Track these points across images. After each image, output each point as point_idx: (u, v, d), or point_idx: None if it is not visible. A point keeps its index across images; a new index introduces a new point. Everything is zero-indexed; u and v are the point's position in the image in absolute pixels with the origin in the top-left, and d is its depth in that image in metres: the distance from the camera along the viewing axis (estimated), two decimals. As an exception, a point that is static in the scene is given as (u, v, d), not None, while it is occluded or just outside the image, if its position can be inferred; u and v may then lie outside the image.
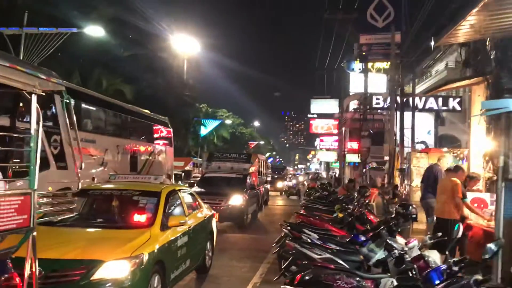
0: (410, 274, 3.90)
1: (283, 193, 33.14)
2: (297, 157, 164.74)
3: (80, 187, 4.41)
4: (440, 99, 19.99)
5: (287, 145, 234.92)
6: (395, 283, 3.83)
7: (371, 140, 24.92)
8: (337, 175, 37.70)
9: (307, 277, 4.16)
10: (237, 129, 60.62)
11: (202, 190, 13.85)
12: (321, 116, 42.92)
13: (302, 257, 5.72)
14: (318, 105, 40.46)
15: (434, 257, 4.70)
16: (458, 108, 20.25)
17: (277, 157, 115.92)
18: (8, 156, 7.65)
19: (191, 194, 8.22)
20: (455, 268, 3.23)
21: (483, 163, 8.25)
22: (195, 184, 16.49)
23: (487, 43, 6.41)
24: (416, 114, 18.83)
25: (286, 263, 5.97)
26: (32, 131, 3.55)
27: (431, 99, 19.70)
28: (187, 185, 15.63)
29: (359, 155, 26.31)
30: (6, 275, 3.34)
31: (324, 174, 55.76)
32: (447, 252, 3.60)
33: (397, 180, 15.76)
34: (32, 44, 15.80)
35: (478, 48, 6.95)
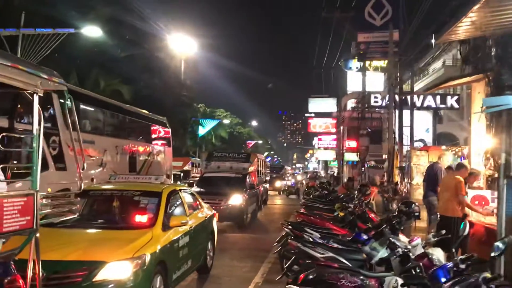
0: (414, 272, 3.88)
1: (281, 192, 33.13)
2: (295, 156, 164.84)
3: (82, 187, 4.35)
4: (438, 97, 20.02)
5: (285, 145, 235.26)
6: (400, 281, 3.80)
7: (369, 138, 24.94)
8: (335, 173, 37.74)
9: (310, 276, 4.14)
10: (235, 128, 60.58)
11: (202, 190, 13.81)
12: (319, 115, 43.03)
13: (305, 256, 5.70)
14: (316, 104, 40.55)
15: (438, 255, 4.70)
16: (456, 106, 20.28)
17: (275, 156, 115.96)
18: (7, 157, 7.61)
19: (191, 194, 8.20)
20: (462, 266, 3.21)
21: (483, 160, 8.24)
22: (195, 184, 16.46)
23: (488, 40, 6.40)
24: (414, 112, 18.85)
25: (289, 262, 5.95)
26: (35, 131, 3.51)
27: (429, 97, 19.73)
28: (186, 185, 15.58)
29: (358, 153, 26.33)
30: (9, 278, 3.30)
31: (322, 173, 55.77)
32: (453, 250, 3.58)
33: (397, 178, 15.77)
34: (29, 45, 15.72)
35: (478, 45, 6.94)
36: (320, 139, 45.45)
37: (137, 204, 6.67)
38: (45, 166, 9.70)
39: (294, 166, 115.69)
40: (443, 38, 6.76)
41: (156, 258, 5.47)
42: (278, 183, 33.43)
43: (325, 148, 44.77)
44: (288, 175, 46.92)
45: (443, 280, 3.28)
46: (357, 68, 29.68)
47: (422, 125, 24.08)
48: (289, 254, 6.37)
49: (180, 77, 33.14)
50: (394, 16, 18.61)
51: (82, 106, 12.23)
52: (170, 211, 6.61)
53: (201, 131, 41.70)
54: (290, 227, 7.03)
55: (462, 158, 12.93)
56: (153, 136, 17.83)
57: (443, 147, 15.71)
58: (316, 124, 42.14)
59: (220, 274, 8.16)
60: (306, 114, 46.98)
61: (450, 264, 3.34)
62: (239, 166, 17.10)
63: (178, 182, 19.93)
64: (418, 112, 20.19)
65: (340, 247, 6.11)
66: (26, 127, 7.85)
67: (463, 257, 3.28)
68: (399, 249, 4.41)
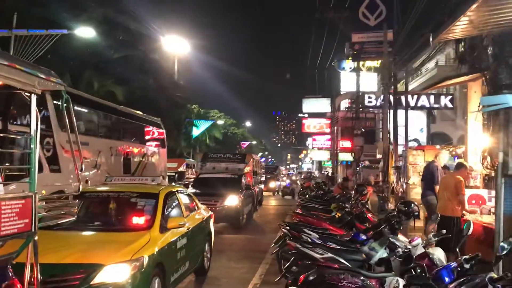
0: (415, 272, 3.86)
1: (276, 193, 33.14)
2: (289, 157, 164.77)
3: (80, 189, 4.28)
4: (432, 97, 20.04)
5: (279, 145, 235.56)
6: (400, 281, 3.78)
7: (364, 138, 24.97)
8: (330, 174, 37.79)
9: (311, 277, 4.11)
10: (229, 129, 60.50)
11: (197, 191, 13.75)
12: (313, 115, 43.07)
13: (304, 257, 5.66)
14: (310, 105, 40.61)
15: (439, 254, 4.68)
16: (450, 105, 20.29)
17: (269, 157, 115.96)
18: (0, 159, 7.50)
19: (188, 195, 8.15)
20: (466, 266, 3.19)
21: (480, 159, 8.25)
22: (190, 185, 16.38)
23: (484, 39, 6.39)
24: (408, 112, 18.87)
25: (288, 263, 5.92)
26: (32, 132, 3.45)
27: (423, 97, 19.73)
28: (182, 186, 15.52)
29: (353, 153, 26.37)
30: (7, 282, 3.23)
31: (316, 173, 55.87)
32: (457, 250, 3.56)
33: (392, 178, 15.78)
34: (22, 46, 15.59)
35: (475, 44, 6.93)
36: (314, 140, 45.48)
37: (134, 205, 6.61)
38: (39, 168, 9.56)
39: (288, 167, 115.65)
40: (440, 37, 6.74)
41: (154, 260, 5.42)
42: (273, 184, 33.44)
43: (319, 149, 44.81)
44: (282, 175, 46.96)
45: (447, 280, 3.26)
46: (350, 68, 29.74)
47: (417, 124, 24.11)
48: (288, 255, 6.34)
49: (174, 78, 33.05)
50: (388, 16, 18.65)
51: (75, 108, 12.13)
52: (168, 213, 6.56)
53: (195, 132, 41.60)
54: (287, 227, 7.00)
55: (456, 158, 12.95)
56: (147, 137, 17.73)
57: (437, 146, 15.74)
58: (310, 125, 42.15)
59: (218, 275, 8.12)
60: (300, 115, 47.05)
61: (454, 264, 3.32)
62: (234, 167, 17.05)
63: (173, 184, 19.83)
64: (412, 112, 20.18)
65: (338, 247, 6.09)
66: (20, 129, 7.74)
67: (467, 257, 3.26)
68: (399, 249, 4.40)
